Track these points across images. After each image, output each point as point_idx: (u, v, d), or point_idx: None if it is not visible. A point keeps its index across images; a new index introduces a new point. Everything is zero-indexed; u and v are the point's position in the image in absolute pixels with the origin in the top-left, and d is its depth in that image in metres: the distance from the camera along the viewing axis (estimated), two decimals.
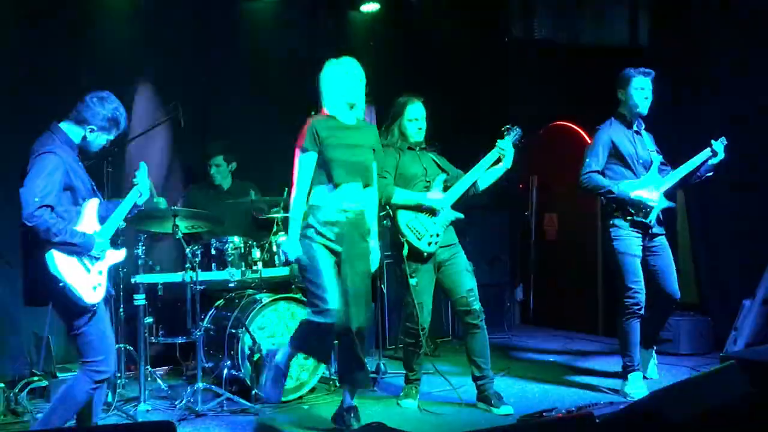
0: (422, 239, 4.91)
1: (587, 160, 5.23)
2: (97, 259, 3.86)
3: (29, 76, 5.61)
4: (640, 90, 5.19)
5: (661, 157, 5.31)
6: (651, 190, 5.15)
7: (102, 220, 3.94)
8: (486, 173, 5.02)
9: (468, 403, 5.08)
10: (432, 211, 4.93)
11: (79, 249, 3.77)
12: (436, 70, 7.24)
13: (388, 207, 4.93)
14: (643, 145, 5.28)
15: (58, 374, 5.19)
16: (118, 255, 4.02)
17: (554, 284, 7.88)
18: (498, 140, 4.98)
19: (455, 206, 4.99)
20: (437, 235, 4.94)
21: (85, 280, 3.79)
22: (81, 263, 3.79)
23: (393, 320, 6.72)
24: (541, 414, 4.54)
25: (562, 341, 6.87)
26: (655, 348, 5.61)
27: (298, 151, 4.38)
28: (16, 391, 5.05)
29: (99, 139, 3.96)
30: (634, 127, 5.29)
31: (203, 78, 6.56)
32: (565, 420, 4.03)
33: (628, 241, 5.17)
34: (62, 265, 3.70)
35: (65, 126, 3.90)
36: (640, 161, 5.22)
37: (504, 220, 7.87)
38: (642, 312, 5.16)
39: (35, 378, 5.25)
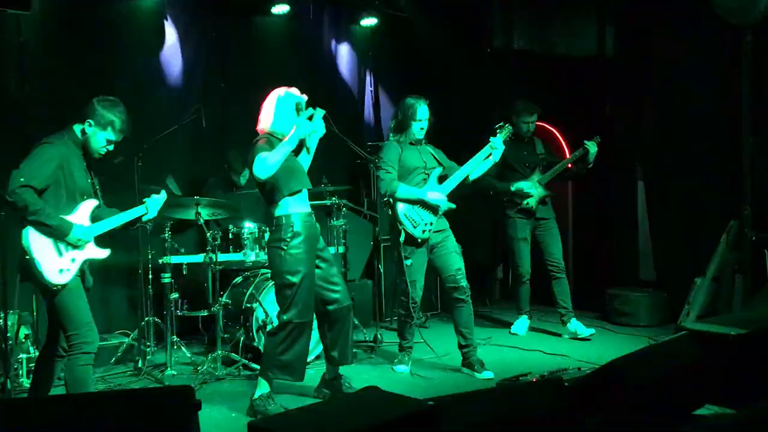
0: (417, 227, 4.89)
1: None
2: (74, 247, 3.74)
3: (69, 84, 5.56)
4: (525, 123, 6.10)
5: (542, 158, 6.15)
6: (530, 184, 6.01)
7: (94, 219, 3.85)
8: (478, 166, 5.01)
9: (453, 368, 5.08)
10: (432, 208, 4.93)
11: (54, 231, 3.66)
12: (426, 77, 7.19)
13: (391, 199, 4.90)
14: (529, 151, 6.15)
15: None
16: (100, 253, 3.89)
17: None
18: (491, 137, 4.97)
19: (448, 196, 4.98)
20: (431, 224, 4.92)
21: (54, 261, 3.68)
22: (54, 246, 3.69)
23: (389, 296, 6.71)
24: (518, 378, 4.54)
25: (536, 314, 6.84)
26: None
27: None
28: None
29: (97, 136, 3.83)
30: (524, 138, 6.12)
31: (222, 84, 6.53)
32: (538, 383, 4.02)
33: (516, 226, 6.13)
34: (34, 241, 3.63)
35: (75, 126, 3.84)
36: (526, 164, 6.10)
37: (487, 208, 7.84)
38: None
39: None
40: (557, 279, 6.07)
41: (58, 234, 3.68)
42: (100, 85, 5.52)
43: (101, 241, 3.92)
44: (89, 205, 3.84)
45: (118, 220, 3.93)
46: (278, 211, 4.20)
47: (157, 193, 4.07)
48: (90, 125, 3.81)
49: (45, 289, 3.71)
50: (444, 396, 3.40)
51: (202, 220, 5.14)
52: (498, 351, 5.62)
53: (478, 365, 4.94)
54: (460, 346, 5.01)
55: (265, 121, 4.29)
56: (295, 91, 4.31)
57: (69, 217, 3.74)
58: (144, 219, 4.03)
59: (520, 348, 5.67)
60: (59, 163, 3.70)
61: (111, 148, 3.92)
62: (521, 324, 6.25)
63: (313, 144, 4.39)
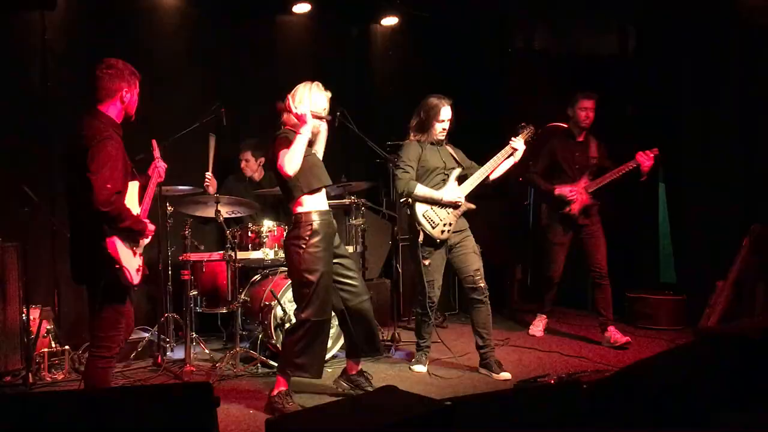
0: (436, 228, 4.89)
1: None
2: (138, 244, 3.66)
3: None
4: (583, 110, 5.73)
5: (595, 162, 5.78)
6: (573, 190, 5.69)
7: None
8: (498, 167, 4.98)
9: (471, 368, 5.07)
10: (451, 209, 4.91)
11: (136, 234, 3.61)
12: (446, 77, 7.18)
13: (410, 199, 4.90)
14: (582, 152, 5.80)
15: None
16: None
17: None
18: (512, 137, 4.93)
19: (468, 197, 4.96)
20: (450, 224, 4.91)
21: (133, 262, 3.62)
22: (131, 246, 3.62)
23: (407, 295, 6.71)
24: (536, 379, 4.52)
25: (555, 315, 6.81)
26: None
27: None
28: (80, 352, 5.09)
29: (133, 99, 3.68)
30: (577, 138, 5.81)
31: (241, 83, 6.56)
32: (556, 385, 4.01)
33: (553, 230, 5.84)
34: (120, 247, 3.52)
35: (103, 108, 3.61)
36: (576, 166, 5.76)
37: (506, 209, 7.83)
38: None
39: None
40: (600, 286, 5.81)
41: (139, 234, 3.63)
42: None
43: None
44: (134, 188, 3.72)
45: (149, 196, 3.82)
46: (298, 209, 4.21)
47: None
48: (127, 92, 3.64)
49: (124, 293, 3.60)
50: (461, 396, 3.40)
51: (221, 218, 5.17)
52: (516, 352, 5.60)
53: (496, 366, 4.92)
54: (478, 347, 5.00)
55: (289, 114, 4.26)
56: (319, 85, 4.31)
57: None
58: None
59: (539, 349, 5.64)
60: (122, 153, 3.55)
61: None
62: (539, 325, 6.21)
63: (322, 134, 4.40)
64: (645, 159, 5.46)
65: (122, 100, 3.65)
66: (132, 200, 3.70)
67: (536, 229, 7.91)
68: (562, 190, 5.71)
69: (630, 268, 7.05)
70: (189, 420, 2.64)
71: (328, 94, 4.32)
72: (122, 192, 3.52)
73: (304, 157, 4.11)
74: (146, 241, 3.76)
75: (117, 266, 3.51)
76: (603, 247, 5.80)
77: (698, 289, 6.08)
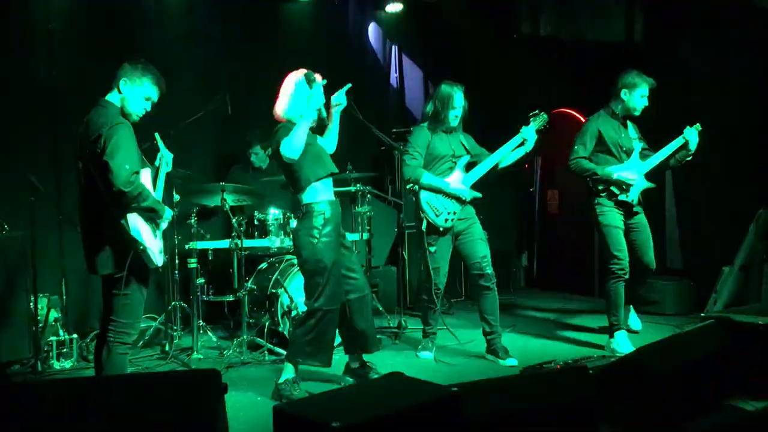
0: (440, 216, 4.88)
1: (576, 146, 5.20)
2: (159, 224, 3.70)
3: (96, 70, 5.60)
4: (643, 98, 5.14)
5: (643, 143, 5.25)
6: (633, 173, 5.09)
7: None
8: (508, 155, 4.95)
9: (477, 355, 5.08)
10: (456, 197, 4.90)
11: (156, 215, 3.62)
12: (452, 64, 7.16)
13: (416, 186, 4.90)
14: (626, 135, 5.22)
15: None
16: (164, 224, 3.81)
17: (555, 252, 7.83)
18: (523, 126, 4.88)
19: (474, 184, 4.95)
20: (454, 213, 4.91)
21: (155, 244, 3.65)
22: (151, 228, 3.64)
23: (413, 282, 6.73)
24: (542, 365, 4.53)
25: (561, 302, 6.83)
26: (632, 306, 5.58)
27: None
28: (88, 341, 5.13)
29: (134, 93, 3.61)
30: (620, 119, 5.22)
31: (247, 70, 6.56)
32: (562, 371, 4.02)
33: (611, 215, 5.14)
34: (142, 228, 3.55)
35: (110, 97, 3.63)
36: (624, 149, 5.17)
37: (512, 195, 7.84)
38: (626, 276, 5.09)
39: None
40: (645, 284, 5.60)
41: (157, 215, 3.63)
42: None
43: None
44: (147, 174, 3.68)
45: (161, 182, 3.82)
46: (306, 198, 4.20)
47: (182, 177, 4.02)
48: (125, 83, 3.60)
49: (148, 276, 3.64)
50: (467, 382, 3.41)
51: (227, 206, 5.17)
52: (522, 338, 5.61)
53: (503, 352, 4.93)
54: (485, 333, 5.01)
55: (282, 107, 4.25)
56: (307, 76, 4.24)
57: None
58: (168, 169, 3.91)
59: (545, 336, 5.65)
60: (134, 137, 3.57)
61: (149, 108, 3.71)
62: (633, 318, 5.62)
63: (335, 117, 4.35)
64: (691, 135, 5.06)
65: (119, 90, 3.63)
66: (147, 186, 3.67)
67: (543, 217, 7.93)
68: (623, 174, 5.12)
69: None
70: (198, 407, 2.66)
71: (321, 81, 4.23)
72: (138, 172, 3.53)
73: (308, 145, 4.11)
74: (164, 225, 3.77)
75: (141, 248, 3.53)
76: (651, 240, 5.32)
77: (705, 275, 6.08)
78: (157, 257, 3.65)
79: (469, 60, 7.35)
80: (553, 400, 3.12)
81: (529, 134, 4.87)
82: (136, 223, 3.54)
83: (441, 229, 4.90)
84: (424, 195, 4.90)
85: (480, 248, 4.97)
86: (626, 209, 5.18)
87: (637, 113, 5.20)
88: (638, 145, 5.22)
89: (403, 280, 6.56)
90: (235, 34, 6.55)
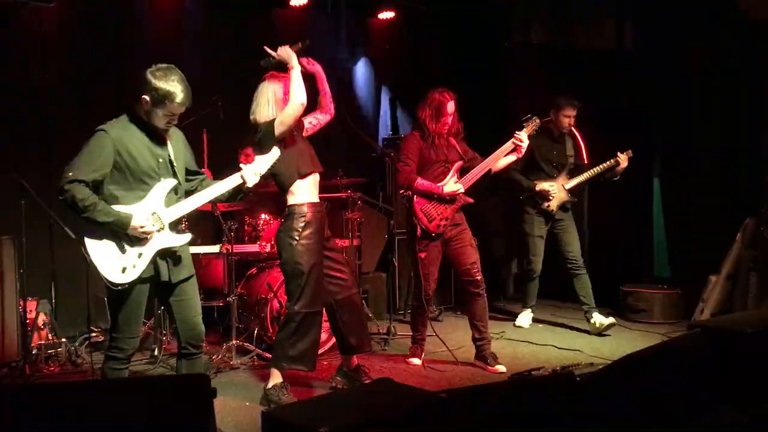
0: (432, 222, 4.90)
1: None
2: (138, 240, 3.36)
3: (91, 75, 5.62)
4: (567, 117, 5.94)
5: (572, 160, 6.04)
6: (555, 187, 5.93)
7: (178, 200, 3.51)
8: (502, 160, 4.99)
9: (466, 361, 5.10)
10: (449, 202, 4.93)
11: (112, 227, 3.31)
12: (444, 70, 7.19)
13: (409, 192, 4.92)
14: (560, 151, 6.01)
15: None
16: (176, 240, 3.48)
17: (545, 259, 7.80)
18: (516, 131, 4.92)
19: (466, 191, 4.97)
20: (446, 218, 4.93)
21: (115, 259, 3.33)
22: (116, 242, 3.35)
23: (403, 288, 6.74)
24: (530, 372, 4.55)
25: (550, 309, 6.85)
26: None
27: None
28: (77, 344, 5.11)
29: (155, 113, 3.41)
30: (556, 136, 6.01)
31: (239, 76, 6.55)
32: (550, 377, 4.03)
33: (533, 223, 6.05)
34: (91, 240, 3.32)
35: (136, 105, 3.45)
36: (554, 164, 5.99)
37: (502, 202, 7.85)
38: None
39: (94, 333, 5.30)
40: (577, 275, 6.02)
41: (118, 229, 3.32)
42: (120, 76, 5.61)
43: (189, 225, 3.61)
44: (163, 187, 3.45)
45: (196, 201, 3.52)
46: (291, 200, 4.22)
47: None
48: (146, 102, 3.39)
49: (109, 288, 3.34)
50: (456, 388, 3.42)
51: (218, 211, 5.17)
52: (511, 345, 5.63)
53: (492, 359, 4.95)
54: (474, 339, 5.03)
55: (260, 111, 4.31)
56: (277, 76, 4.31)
57: (138, 203, 3.38)
58: (249, 184, 3.65)
59: (534, 342, 5.68)
60: (113, 148, 3.33)
61: (175, 121, 3.54)
62: (525, 317, 6.34)
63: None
64: (622, 160, 5.78)
65: (142, 106, 3.47)
66: (157, 198, 3.48)
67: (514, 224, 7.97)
68: (544, 186, 5.92)
69: (624, 262, 7.08)
70: (186, 411, 2.66)
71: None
72: (89, 184, 3.32)
73: (294, 142, 4.15)
74: (167, 240, 3.51)
75: (88, 258, 3.36)
76: (577, 238, 6.09)
77: (692, 283, 6.12)
78: (115, 274, 3.31)
79: (460, 67, 7.39)
80: (541, 406, 3.13)
81: (522, 139, 4.90)
82: (92, 236, 3.33)
83: (433, 234, 4.92)
84: (417, 201, 4.92)
85: (470, 254, 4.99)
86: (546, 216, 6.06)
87: (563, 129, 6.01)
88: (568, 161, 6.07)
89: (392, 286, 6.57)
90: (227, 40, 6.56)
